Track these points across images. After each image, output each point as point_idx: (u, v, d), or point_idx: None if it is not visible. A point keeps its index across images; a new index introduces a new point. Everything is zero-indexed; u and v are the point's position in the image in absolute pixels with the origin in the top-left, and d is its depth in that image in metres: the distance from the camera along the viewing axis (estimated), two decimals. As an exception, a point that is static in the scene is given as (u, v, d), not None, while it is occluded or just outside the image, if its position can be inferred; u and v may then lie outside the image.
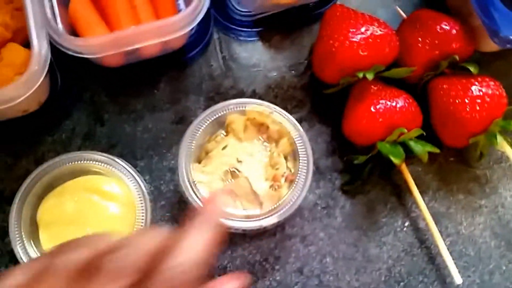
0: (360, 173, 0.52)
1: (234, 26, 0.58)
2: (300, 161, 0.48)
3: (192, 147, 0.48)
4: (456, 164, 0.55)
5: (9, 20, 0.50)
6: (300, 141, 0.49)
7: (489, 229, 0.53)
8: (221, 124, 0.51)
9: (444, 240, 0.50)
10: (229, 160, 0.49)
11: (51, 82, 0.52)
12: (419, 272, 0.51)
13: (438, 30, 0.50)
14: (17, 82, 0.44)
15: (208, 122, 0.49)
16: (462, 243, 0.52)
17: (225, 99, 0.54)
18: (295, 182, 0.47)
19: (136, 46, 0.46)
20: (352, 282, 0.50)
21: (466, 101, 0.48)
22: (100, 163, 0.49)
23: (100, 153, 0.49)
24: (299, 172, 0.48)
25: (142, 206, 0.48)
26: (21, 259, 0.46)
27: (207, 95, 0.56)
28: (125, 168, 0.49)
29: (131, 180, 0.48)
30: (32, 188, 0.48)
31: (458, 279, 0.48)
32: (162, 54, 0.54)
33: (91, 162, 0.48)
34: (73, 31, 0.51)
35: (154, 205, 0.51)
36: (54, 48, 0.47)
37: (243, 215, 0.47)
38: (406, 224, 0.52)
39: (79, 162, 0.48)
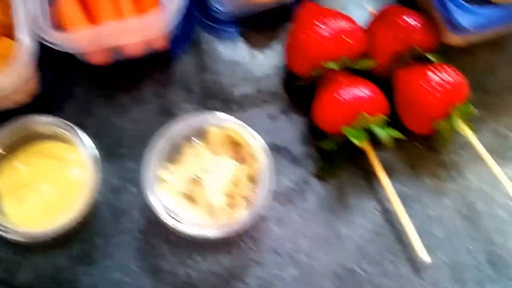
0: (331, 159, 0.55)
1: (216, 25, 0.63)
2: (259, 188, 0.50)
3: (161, 145, 0.52)
4: (423, 150, 0.58)
5: (1, 16, 0.54)
6: (264, 170, 0.51)
7: (456, 211, 0.55)
8: (202, 133, 0.54)
9: (412, 221, 0.53)
10: (196, 168, 0.53)
11: (43, 77, 0.57)
12: (388, 251, 0.54)
13: (402, 23, 0.54)
14: (3, 73, 0.48)
15: (181, 128, 0.53)
16: (430, 224, 0.55)
17: (207, 93, 0.59)
18: (251, 206, 0.50)
19: (114, 44, 0.50)
20: (323, 261, 0.53)
21: (424, 86, 0.51)
22: (50, 126, 0.53)
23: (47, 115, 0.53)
24: (255, 197, 0.50)
25: (92, 167, 0.52)
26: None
27: (189, 88, 0.60)
28: (73, 129, 0.53)
29: (79, 142, 0.52)
30: None
31: (425, 257, 0.51)
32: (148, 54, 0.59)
33: (40, 125, 0.53)
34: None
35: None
36: (47, 46, 0.51)
37: (192, 221, 0.50)
38: (376, 206, 0.55)
39: (27, 126, 0.53)
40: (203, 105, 0.60)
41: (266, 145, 0.52)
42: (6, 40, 0.53)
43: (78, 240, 0.54)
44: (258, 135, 0.52)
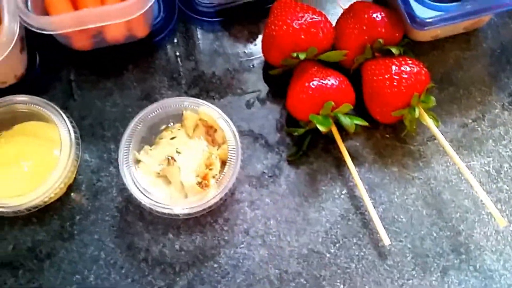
0: (302, 146, 0.58)
1: (197, 16, 0.65)
2: (228, 170, 0.53)
3: (139, 127, 0.54)
4: (391, 140, 0.60)
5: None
6: (233, 152, 0.53)
7: (421, 199, 0.58)
8: (179, 116, 0.57)
9: (377, 207, 0.56)
10: (171, 149, 0.55)
11: (29, 60, 0.59)
12: (354, 235, 0.56)
13: (367, 18, 0.57)
14: None
15: (158, 111, 0.55)
16: (395, 211, 0.57)
17: (188, 80, 0.62)
18: (221, 186, 0.52)
19: (91, 25, 0.53)
20: (292, 242, 0.56)
21: (386, 77, 0.54)
22: (31, 105, 0.55)
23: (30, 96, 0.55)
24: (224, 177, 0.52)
25: (72, 146, 0.53)
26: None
27: (171, 75, 0.63)
28: (55, 110, 0.55)
29: (60, 122, 0.54)
30: None
31: (386, 240, 0.53)
32: (130, 41, 0.62)
33: (22, 104, 0.55)
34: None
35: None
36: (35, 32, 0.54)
37: (164, 199, 0.52)
38: (344, 192, 0.58)
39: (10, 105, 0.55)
40: (184, 92, 0.62)
41: (235, 129, 0.54)
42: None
43: (58, 216, 0.56)
44: (229, 119, 0.55)
